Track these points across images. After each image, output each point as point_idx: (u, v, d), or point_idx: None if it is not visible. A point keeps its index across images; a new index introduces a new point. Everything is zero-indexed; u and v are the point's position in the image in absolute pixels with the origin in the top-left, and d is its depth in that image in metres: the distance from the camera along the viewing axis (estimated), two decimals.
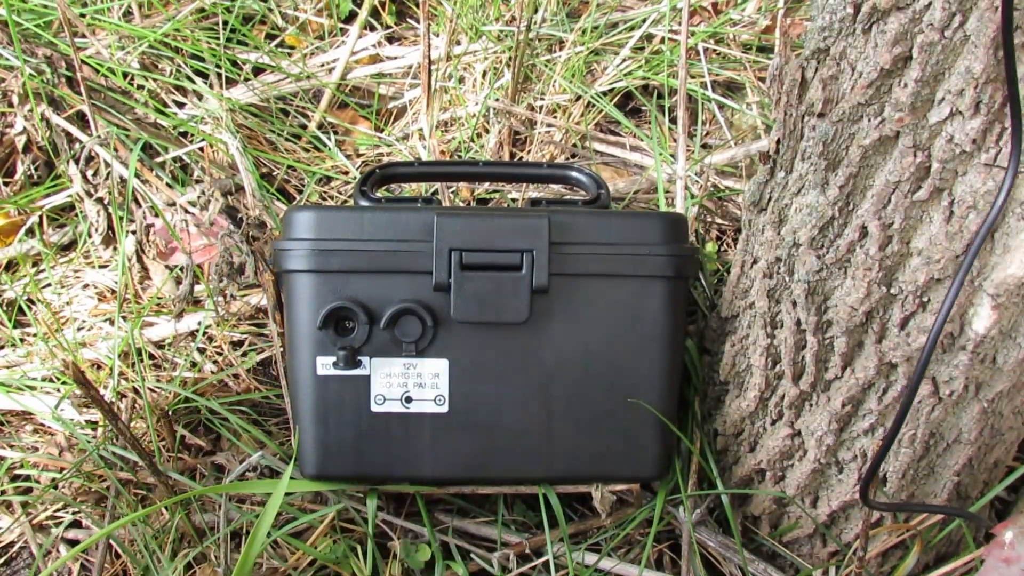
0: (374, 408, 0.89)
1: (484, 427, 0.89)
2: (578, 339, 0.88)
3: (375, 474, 0.93)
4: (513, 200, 1.30)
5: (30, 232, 1.32)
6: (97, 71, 1.40)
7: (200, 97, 1.43)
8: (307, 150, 1.42)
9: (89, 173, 1.31)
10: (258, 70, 1.50)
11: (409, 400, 0.89)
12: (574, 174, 1.02)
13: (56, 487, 1.02)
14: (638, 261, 0.86)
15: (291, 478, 0.90)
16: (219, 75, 1.45)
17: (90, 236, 1.28)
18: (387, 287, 0.86)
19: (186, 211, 1.22)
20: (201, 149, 1.35)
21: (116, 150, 1.29)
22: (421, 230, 0.84)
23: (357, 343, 0.86)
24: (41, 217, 1.32)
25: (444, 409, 0.88)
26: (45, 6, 1.44)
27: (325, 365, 0.88)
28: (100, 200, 1.28)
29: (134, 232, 1.20)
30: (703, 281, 1.12)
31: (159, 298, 1.20)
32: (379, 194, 1.00)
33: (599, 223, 0.86)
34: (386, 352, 0.87)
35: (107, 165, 1.29)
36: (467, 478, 0.95)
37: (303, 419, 0.90)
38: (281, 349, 1.02)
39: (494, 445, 0.90)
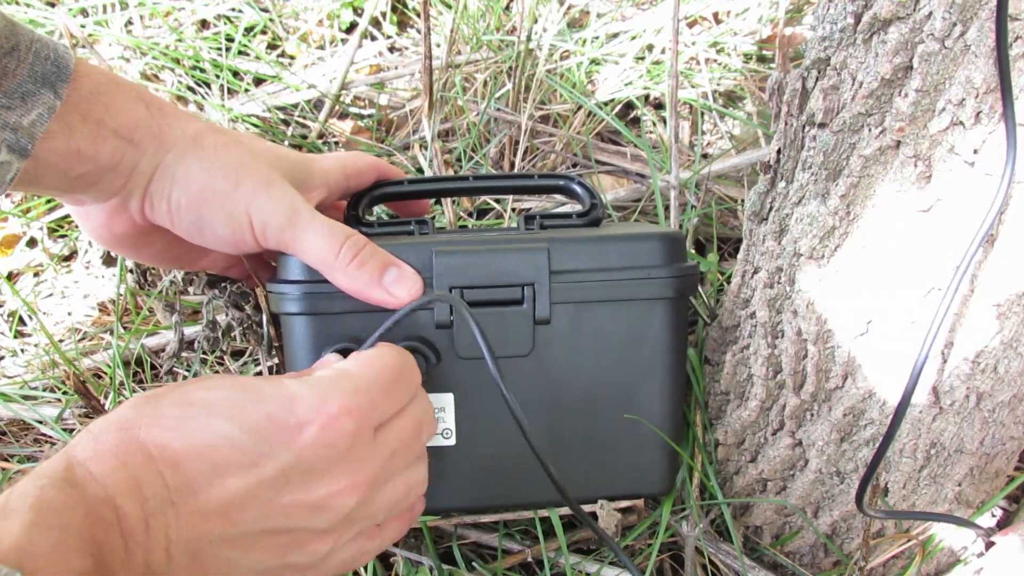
0: None
1: (492, 457, 0.88)
2: (581, 365, 0.86)
3: None
4: (513, 211, 1.30)
5: (31, 243, 1.32)
6: None
7: (202, 108, 1.43)
8: None
9: None
10: (259, 80, 1.51)
11: None
12: (566, 185, 0.99)
13: None
14: (639, 285, 0.85)
15: None
16: (220, 86, 1.46)
17: (90, 246, 1.28)
18: None
19: None
20: None
21: None
22: (418, 266, 0.81)
23: None
24: (42, 228, 1.32)
25: (452, 442, 0.87)
26: (46, 17, 1.44)
27: None
28: None
29: None
30: (703, 292, 1.12)
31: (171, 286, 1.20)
32: (373, 212, 0.95)
33: (597, 248, 0.84)
34: None
35: None
36: (475, 507, 0.94)
37: None
38: (277, 361, 1.02)
39: (502, 474, 0.89)
